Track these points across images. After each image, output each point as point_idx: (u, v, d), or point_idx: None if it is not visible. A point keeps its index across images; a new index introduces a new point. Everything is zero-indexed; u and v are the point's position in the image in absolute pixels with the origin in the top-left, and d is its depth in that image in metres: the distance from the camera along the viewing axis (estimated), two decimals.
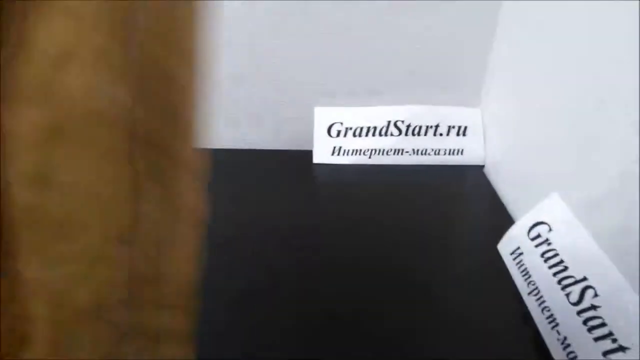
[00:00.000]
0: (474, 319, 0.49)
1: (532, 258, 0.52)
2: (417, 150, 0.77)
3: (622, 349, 0.38)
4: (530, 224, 0.54)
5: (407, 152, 0.77)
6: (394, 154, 0.77)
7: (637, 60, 0.42)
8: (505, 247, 0.58)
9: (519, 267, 0.53)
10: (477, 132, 0.78)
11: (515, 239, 0.56)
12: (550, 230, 0.51)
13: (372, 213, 0.65)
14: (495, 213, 0.67)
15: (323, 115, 0.78)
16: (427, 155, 0.77)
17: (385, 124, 0.77)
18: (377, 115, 0.77)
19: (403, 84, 0.78)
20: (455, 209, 0.69)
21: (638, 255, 0.40)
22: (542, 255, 0.50)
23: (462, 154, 0.77)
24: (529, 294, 0.51)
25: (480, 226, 0.65)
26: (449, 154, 0.77)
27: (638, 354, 0.37)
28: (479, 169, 0.77)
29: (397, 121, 0.77)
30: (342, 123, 0.77)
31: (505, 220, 0.65)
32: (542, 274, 0.49)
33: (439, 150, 0.77)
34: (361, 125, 0.77)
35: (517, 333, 0.49)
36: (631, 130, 0.42)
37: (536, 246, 0.52)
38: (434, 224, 0.64)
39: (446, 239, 0.62)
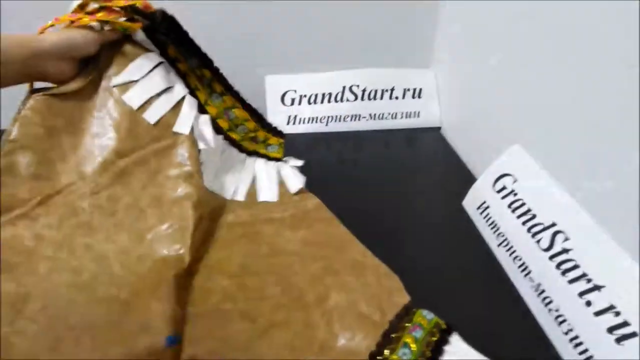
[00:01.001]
0: (447, 276, 0.49)
1: (499, 210, 0.52)
2: (374, 115, 0.75)
3: (597, 288, 0.38)
4: (495, 177, 0.54)
5: (364, 117, 0.75)
6: (350, 120, 0.75)
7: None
8: (470, 203, 0.57)
9: (487, 221, 0.53)
10: (432, 94, 0.77)
11: (480, 193, 0.56)
12: (515, 181, 0.51)
13: (333, 182, 0.63)
14: (457, 172, 0.67)
15: (275, 84, 0.74)
16: (384, 120, 0.76)
17: (341, 89, 0.75)
18: (331, 80, 0.74)
19: (356, 49, 0.75)
20: (416, 171, 0.68)
21: (604, 196, 0.40)
22: (509, 206, 0.50)
23: (418, 116, 0.76)
24: (499, 245, 0.51)
25: (443, 186, 0.64)
26: (406, 117, 0.76)
27: (613, 292, 0.37)
28: (436, 131, 0.77)
29: (352, 86, 0.75)
30: (295, 91, 0.74)
31: (467, 179, 0.65)
32: (511, 225, 0.49)
33: (396, 114, 0.76)
34: (316, 92, 0.74)
35: (489, 285, 0.48)
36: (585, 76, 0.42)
37: (502, 198, 0.52)
38: (397, 187, 0.63)
39: (410, 202, 0.61)
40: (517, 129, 0.55)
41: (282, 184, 0.57)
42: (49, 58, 0.42)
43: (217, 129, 0.56)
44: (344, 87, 0.75)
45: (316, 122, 0.74)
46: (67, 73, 0.46)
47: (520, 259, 0.47)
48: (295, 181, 0.57)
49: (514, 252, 0.48)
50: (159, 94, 0.49)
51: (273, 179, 0.57)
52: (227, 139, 0.58)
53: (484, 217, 0.54)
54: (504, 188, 0.52)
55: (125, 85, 0.48)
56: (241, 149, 0.59)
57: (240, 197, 0.55)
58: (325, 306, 0.42)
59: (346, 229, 0.51)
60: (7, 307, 0.37)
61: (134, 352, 0.35)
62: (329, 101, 0.74)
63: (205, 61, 0.56)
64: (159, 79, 0.49)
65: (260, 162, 0.59)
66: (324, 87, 0.74)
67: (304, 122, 0.74)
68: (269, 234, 0.50)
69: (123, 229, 0.44)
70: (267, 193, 0.56)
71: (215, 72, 0.57)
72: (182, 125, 0.50)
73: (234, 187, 0.56)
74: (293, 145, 0.66)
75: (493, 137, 0.62)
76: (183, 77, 0.53)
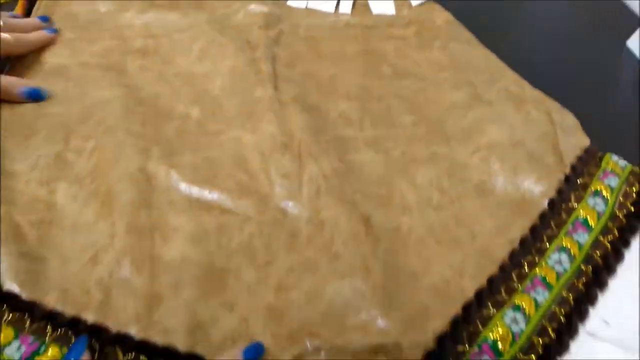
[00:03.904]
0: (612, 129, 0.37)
1: None
2: None
3: None
4: None
5: None
6: None
7: None
8: None
9: None
10: None
11: None
12: None
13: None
14: None
15: None
16: None
17: None
18: None
19: None
20: None
21: None
22: None
23: None
24: None
25: (584, 14, 0.49)
26: None
27: None
28: None
29: None
30: None
31: (616, 5, 0.50)
32: None
33: None
34: None
35: None
36: None
37: None
38: (520, 12, 0.48)
39: (542, 35, 0.46)
40: None
41: None
42: None
43: None
44: None
45: None
46: None
47: None
48: None
49: None
50: None
51: None
52: None
53: None
54: None
55: None
56: None
57: (346, 9, 0.44)
58: (477, 141, 0.33)
59: (490, 52, 0.40)
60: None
61: None
62: None
63: None
64: None
65: None
66: None
67: None
68: (389, 53, 0.40)
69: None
70: (380, 3, 0.45)
71: None
72: None
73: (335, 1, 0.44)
74: None
75: None
76: None
